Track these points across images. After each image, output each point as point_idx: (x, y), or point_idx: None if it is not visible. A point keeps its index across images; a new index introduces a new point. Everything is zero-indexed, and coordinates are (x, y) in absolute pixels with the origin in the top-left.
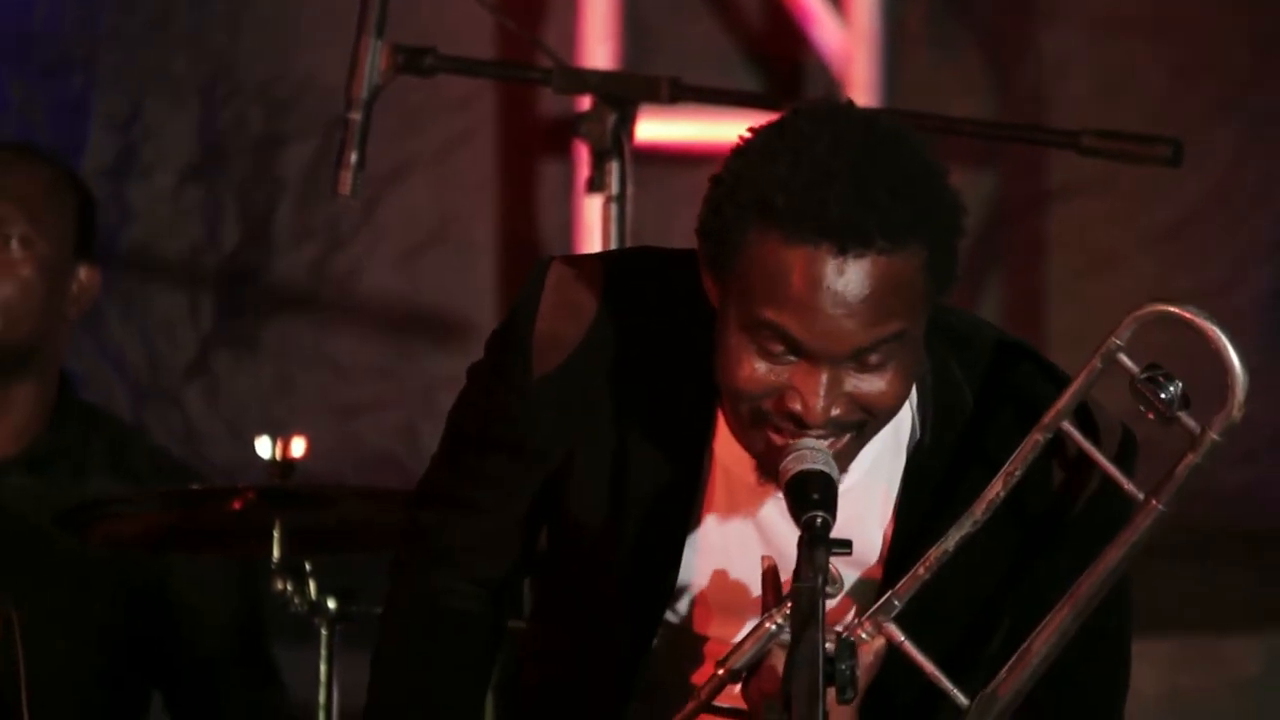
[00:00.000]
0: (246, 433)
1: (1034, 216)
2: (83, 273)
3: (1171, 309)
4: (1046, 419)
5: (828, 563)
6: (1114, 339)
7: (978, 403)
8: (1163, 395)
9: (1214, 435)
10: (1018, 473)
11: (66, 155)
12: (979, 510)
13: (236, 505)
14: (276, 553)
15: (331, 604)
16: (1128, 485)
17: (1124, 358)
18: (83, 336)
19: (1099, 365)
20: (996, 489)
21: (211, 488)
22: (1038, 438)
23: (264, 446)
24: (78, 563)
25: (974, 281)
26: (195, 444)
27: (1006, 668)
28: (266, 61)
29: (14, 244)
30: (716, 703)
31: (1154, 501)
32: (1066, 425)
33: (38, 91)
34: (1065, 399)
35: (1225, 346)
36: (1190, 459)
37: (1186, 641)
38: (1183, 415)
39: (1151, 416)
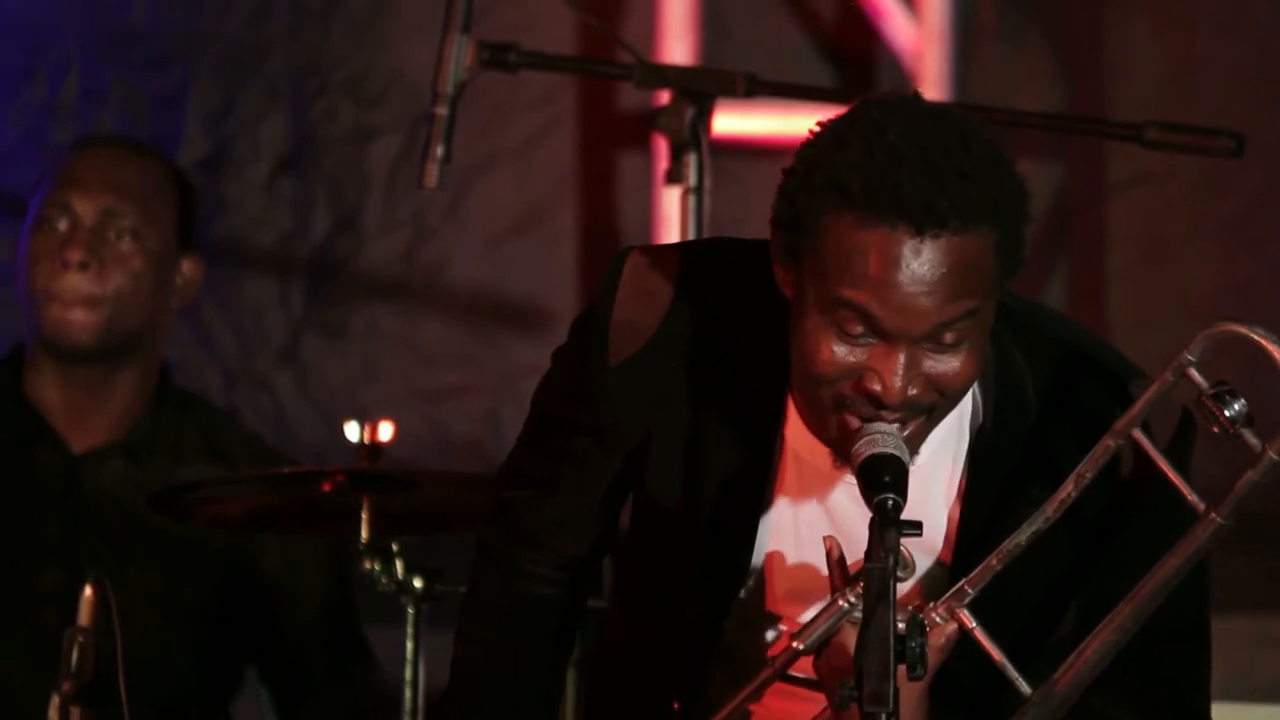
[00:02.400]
0: (335, 417)
1: (1098, 207)
2: (186, 265)
3: (1240, 329)
4: (1119, 425)
5: (898, 543)
6: (1186, 354)
7: (1041, 391)
8: (1227, 412)
9: (1273, 455)
10: (1089, 475)
11: (164, 148)
12: (1051, 508)
13: (326, 488)
14: (364, 534)
15: (418, 583)
16: (1191, 497)
17: (1194, 372)
18: (178, 323)
19: (1170, 378)
20: (1069, 489)
21: (301, 470)
22: (1110, 443)
23: (352, 431)
24: (172, 544)
25: (1040, 269)
26: (285, 428)
27: (1067, 663)
28: (356, 58)
29: (125, 237)
30: (790, 673)
31: (1214, 515)
32: (1137, 433)
33: (137, 86)
34: (1137, 408)
35: None
36: (1250, 475)
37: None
38: (1246, 433)
39: (1216, 430)
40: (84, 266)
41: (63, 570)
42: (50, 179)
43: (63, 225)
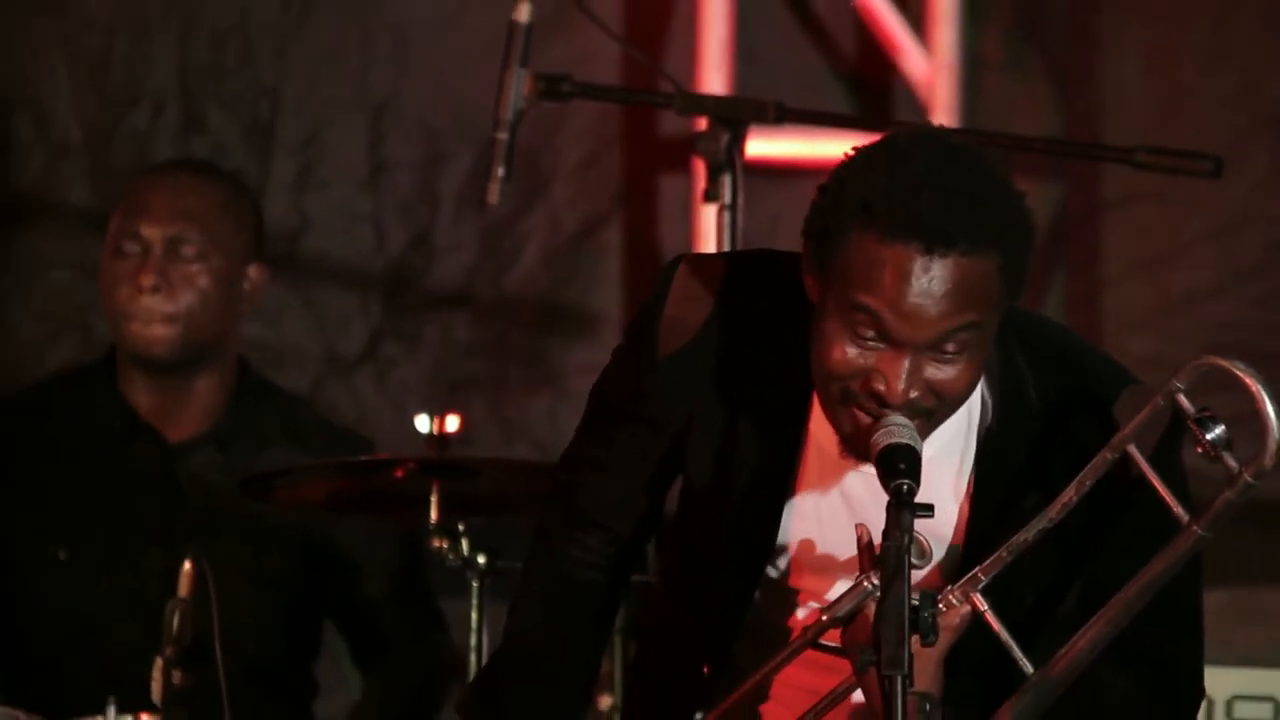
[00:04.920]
0: (409, 412)
1: (1093, 223)
2: (253, 271)
3: (1222, 363)
4: (1115, 441)
5: (913, 524)
6: (1175, 382)
7: (1044, 396)
8: (1209, 436)
9: (1248, 477)
10: (1089, 484)
11: (253, 173)
12: (1054, 511)
13: (399, 474)
14: (433, 515)
15: (481, 560)
16: (1177, 509)
17: (1182, 398)
18: (268, 331)
19: (1161, 402)
20: (1070, 495)
21: (377, 458)
22: (1107, 456)
23: (423, 423)
24: (259, 523)
25: (1041, 279)
26: (365, 422)
27: (1063, 650)
28: (426, 90)
29: (192, 259)
30: (819, 641)
31: (1195, 527)
32: (1131, 448)
33: (230, 117)
34: (1130, 428)
35: (1264, 401)
36: (1228, 495)
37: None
38: (1226, 455)
39: (1200, 451)
40: (156, 289)
41: (162, 549)
42: (122, 207)
43: (135, 251)
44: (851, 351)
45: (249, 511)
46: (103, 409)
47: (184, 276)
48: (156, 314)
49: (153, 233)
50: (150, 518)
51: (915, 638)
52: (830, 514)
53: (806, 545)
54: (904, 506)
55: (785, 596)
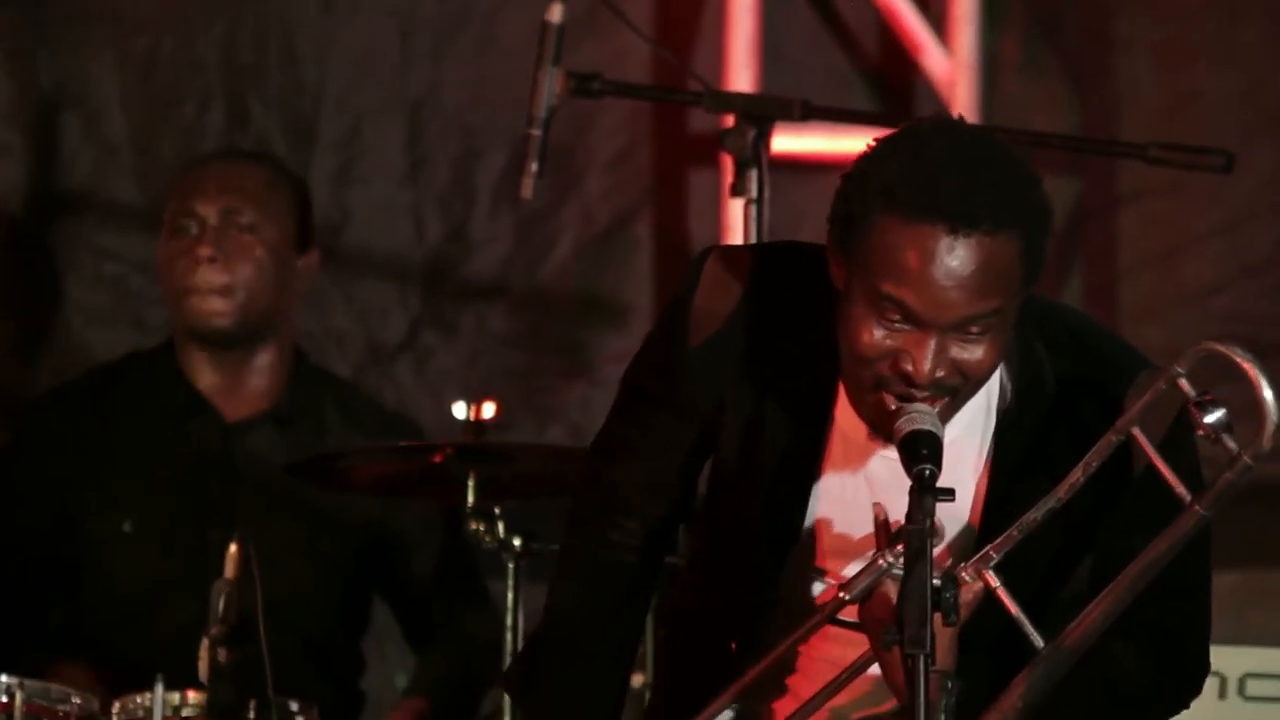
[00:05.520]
0: (447, 399)
1: (1109, 216)
2: (302, 260)
3: (1221, 349)
4: (1120, 424)
5: (934, 508)
6: (1177, 367)
7: (1060, 378)
8: (1208, 419)
9: (1247, 459)
10: (1095, 465)
11: (296, 169)
12: (1062, 491)
13: (438, 459)
14: (470, 499)
15: (517, 542)
16: (1180, 489)
17: (1184, 383)
18: (311, 320)
19: (1164, 386)
20: (1077, 475)
21: (417, 444)
22: (1112, 438)
23: (460, 410)
24: (314, 505)
25: (1059, 269)
26: (404, 409)
27: (1072, 625)
28: (463, 88)
29: (245, 231)
30: (837, 617)
31: (1197, 507)
32: (1136, 431)
33: (272, 115)
34: (1134, 410)
35: (1262, 386)
36: (1228, 476)
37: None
38: (1225, 437)
39: (1200, 434)
40: (213, 260)
41: (220, 527)
42: (176, 192)
43: (192, 229)
44: (879, 334)
45: (304, 492)
46: (164, 387)
47: (239, 247)
48: (215, 285)
49: (207, 208)
50: (208, 495)
51: (937, 616)
52: (853, 496)
53: (830, 526)
54: (926, 491)
55: (809, 574)
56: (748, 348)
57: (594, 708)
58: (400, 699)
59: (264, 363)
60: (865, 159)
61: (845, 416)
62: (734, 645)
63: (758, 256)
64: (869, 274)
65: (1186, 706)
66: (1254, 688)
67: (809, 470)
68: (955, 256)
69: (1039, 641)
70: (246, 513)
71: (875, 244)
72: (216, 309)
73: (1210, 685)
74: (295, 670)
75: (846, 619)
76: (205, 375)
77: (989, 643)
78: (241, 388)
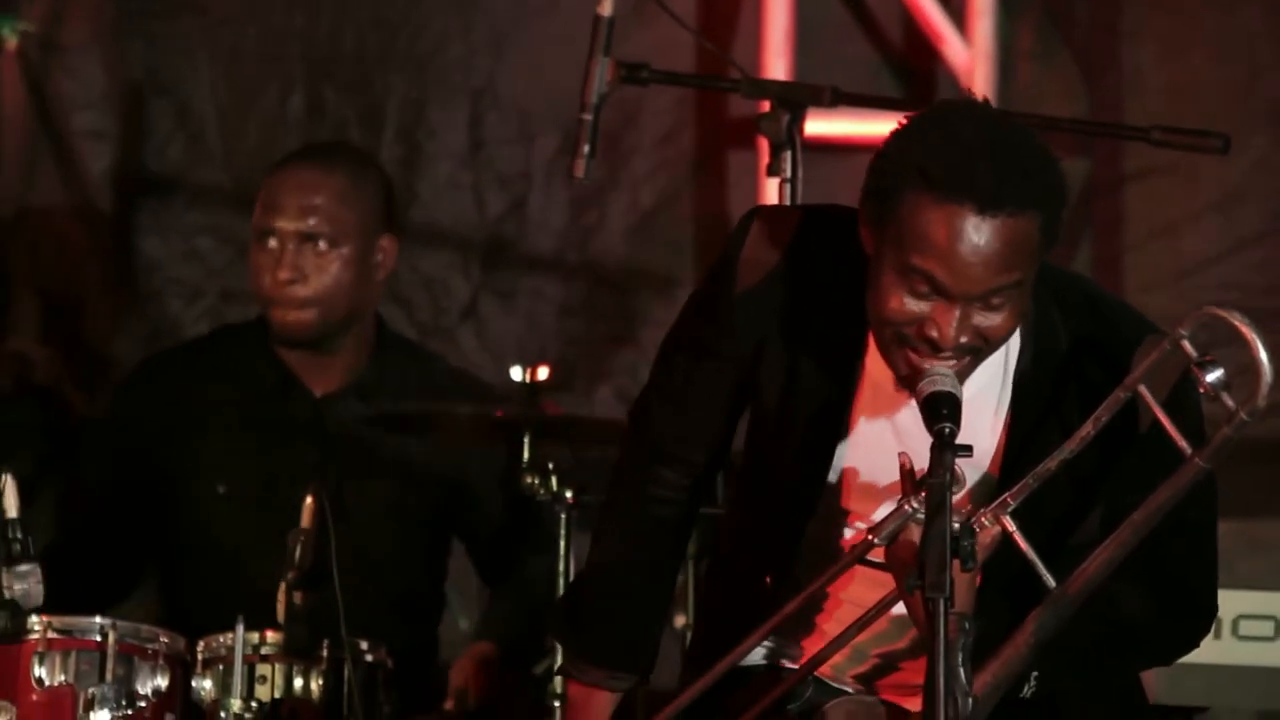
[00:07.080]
0: (505, 363)
1: (1116, 194)
2: (384, 241)
3: (1220, 313)
4: (1128, 381)
5: (954, 463)
6: (1180, 329)
7: (1072, 340)
8: (1209, 378)
9: (1243, 415)
10: (1104, 419)
11: (367, 151)
12: (1073, 443)
13: (499, 414)
14: (526, 454)
15: (568, 494)
16: (1182, 443)
17: (1186, 344)
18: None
19: (1168, 347)
20: (1087, 429)
21: (479, 404)
22: (1120, 395)
23: (517, 373)
24: (397, 465)
25: (1071, 242)
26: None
27: (1079, 570)
28: (520, 77)
29: (323, 246)
30: (866, 558)
31: (1197, 459)
32: (1141, 388)
33: (346, 101)
34: (1140, 370)
35: (1258, 347)
36: (1225, 431)
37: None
38: (1224, 395)
39: (1201, 391)
40: (292, 281)
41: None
42: (260, 200)
43: (272, 244)
44: (907, 301)
45: (388, 453)
46: (255, 362)
47: (317, 266)
48: (295, 300)
49: (286, 229)
50: (300, 461)
51: (956, 563)
52: (880, 443)
53: (858, 471)
54: (946, 447)
55: (838, 517)
56: (787, 299)
57: (630, 645)
58: (469, 642)
59: (348, 344)
60: (898, 137)
61: (875, 366)
62: (769, 579)
63: (801, 216)
64: (899, 246)
65: (1196, 645)
66: (1246, 628)
67: (840, 417)
68: (982, 234)
69: (1051, 581)
70: (339, 476)
71: (906, 218)
72: (296, 320)
73: None
74: (380, 616)
75: (873, 559)
76: (293, 355)
77: (1005, 584)
78: (327, 368)
